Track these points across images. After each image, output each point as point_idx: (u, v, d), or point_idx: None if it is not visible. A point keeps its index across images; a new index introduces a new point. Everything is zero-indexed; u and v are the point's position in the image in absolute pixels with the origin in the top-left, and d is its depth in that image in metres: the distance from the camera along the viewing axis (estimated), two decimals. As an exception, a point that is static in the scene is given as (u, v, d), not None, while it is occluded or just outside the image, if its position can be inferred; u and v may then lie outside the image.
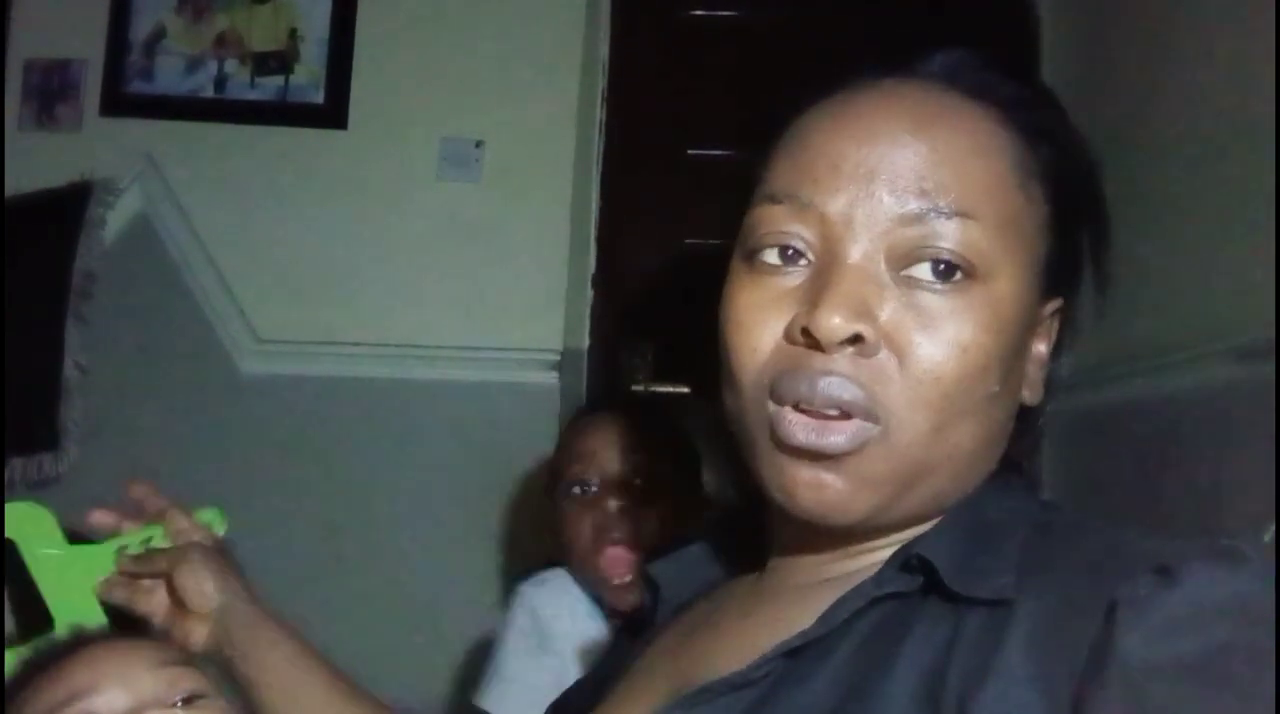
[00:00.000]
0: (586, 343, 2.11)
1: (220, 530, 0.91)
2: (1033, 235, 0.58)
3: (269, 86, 2.13)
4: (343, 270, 2.10)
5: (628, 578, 1.24)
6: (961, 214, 0.55)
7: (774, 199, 0.58)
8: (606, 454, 1.30)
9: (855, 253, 0.55)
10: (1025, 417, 0.62)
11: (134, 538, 0.87)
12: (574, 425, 1.39)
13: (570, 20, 2.17)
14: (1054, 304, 0.61)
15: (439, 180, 2.12)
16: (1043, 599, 0.50)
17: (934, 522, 0.59)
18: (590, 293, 2.14)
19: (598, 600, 1.33)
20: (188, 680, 0.71)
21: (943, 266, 0.55)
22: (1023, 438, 0.63)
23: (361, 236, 2.11)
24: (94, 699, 0.68)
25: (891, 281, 0.55)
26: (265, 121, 2.12)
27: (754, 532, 0.67)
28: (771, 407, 0.56)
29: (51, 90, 2.11)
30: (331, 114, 2.12)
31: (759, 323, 0.57)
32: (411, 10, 2.16)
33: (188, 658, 0.75)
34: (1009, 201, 0.57)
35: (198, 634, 0.83)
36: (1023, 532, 0.56)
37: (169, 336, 2.06)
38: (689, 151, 2.10)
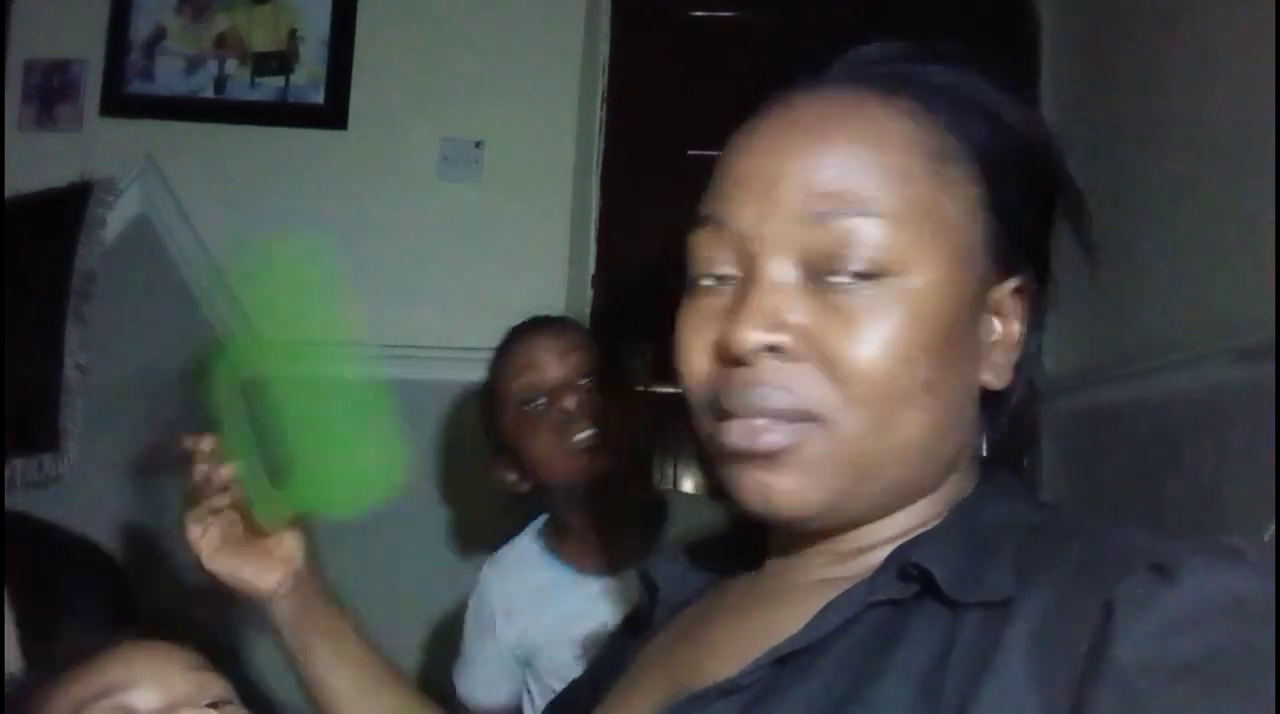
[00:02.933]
0: (586, 343, 2.11)
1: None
2: (957, 220, 0.58)
3: (269, 87, 2.13)
4: (342, 270, 2.10)
5: (591, 444, 1.28)
6: (863, 214, 0.56)
7: (700, 223, 0.61)
8: (545, 361, 1.33)
9: (769, 265, 0.57)
10: (999, 401, 0.62)
11: None
12: (504, 348, 1.41)
13: (570, 20, 2.17)
14: (1011, 283, 0.60)
15: (439, 180, 2.12)
16: (1041, 599, 0.50)
17: (928, 526, 0.59)
18: (590, 293, 2.14)
19: (559, 558, 1.37)
20: (216, 685, 0.74)
21: (853, 269, 0.56)
22: (995, 423, 0.63)
23: (361, 237, 2.11)
24: (130, 694, 0.69)
25: (808, 287, 0.57)
26: (265, 122, 2.12)
27: (752, 531, 0.67)
28: (715, 423, 0.59)
29: (51, 90, 2.11)
30: (331, 114, 2.12)
31: (695, 346, 0.60)
32: (411, 10, 2.16)
33: (213, 665, 0.77)
34: (918, 192, 0.57)
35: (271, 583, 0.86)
36: (1019, 534, 0.56)
37: (169, 337, 2.06)
38: (689, 152, 2.10)
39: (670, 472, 2.09)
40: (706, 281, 0.60)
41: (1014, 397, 0.62)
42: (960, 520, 0.58)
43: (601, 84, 2.18)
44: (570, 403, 1.29)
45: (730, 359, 0.57)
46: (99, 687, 0.69)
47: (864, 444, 0.56)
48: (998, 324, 0.60)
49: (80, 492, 1.94)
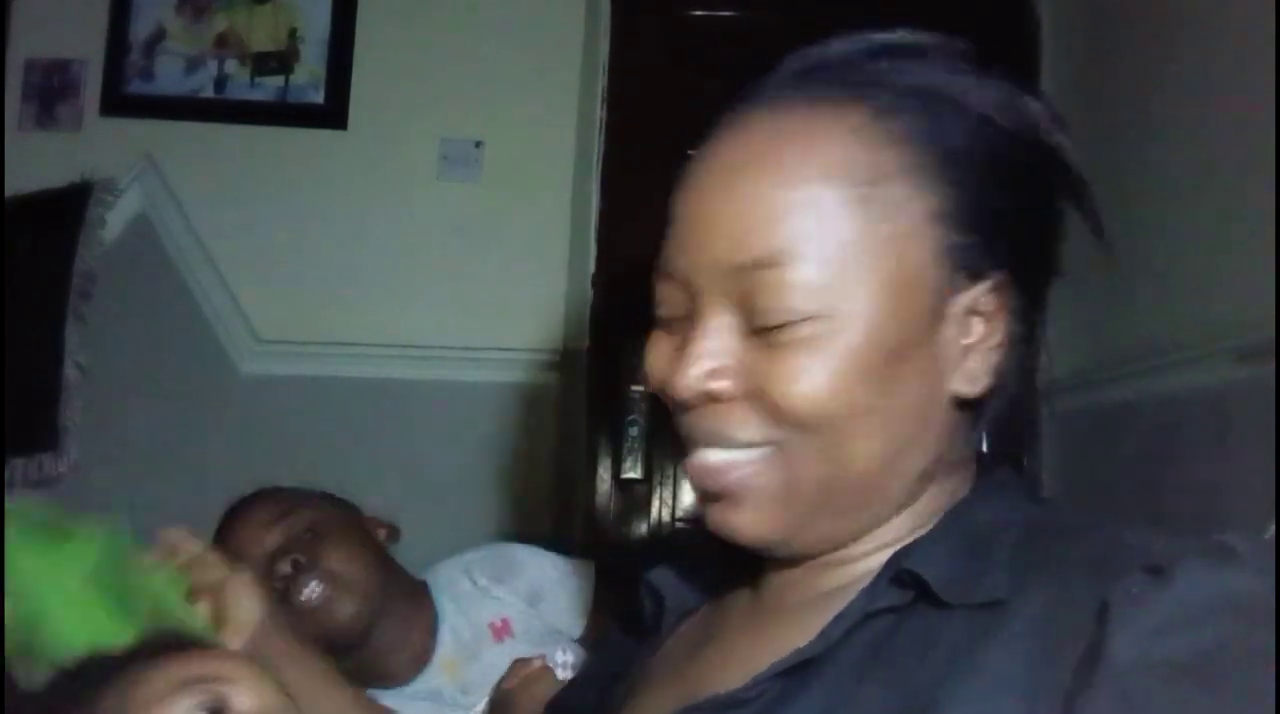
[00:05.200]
0: (586, 343, 2.11)
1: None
2: (895, 243, 0.55)
3: (269, 86, 2.13)
4: (343, 270, 2.10)
5: (326, 595, 1.21)
6: (787, 263, 0.55)
7: (657, 272, 0.62)
8: (249, 540, 1.25)
9: (707, 311, 0.58)
10: (985, 404, 0.60)
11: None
12: (215, 545, 1.33)
13: (570, 20, 2.17)
14: (984, 285, 0.57)
15: (439, 180, 2.13)
16: (1035, 599, 0.50)
17: (925, 529, 0.59)
18: (590, 293, 2.14)
19: (365, 679, 1.27)
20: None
21: (782, 313, 0.55)
22: (975, 428, 0.61)
23: (361, 236, 2.11)
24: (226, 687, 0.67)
25: (746, 330, 0.57)
26: (265, 121, 2.12)
27: None
28: (687, 456, 0.61)
29: (51, 90, 2.11)
30: (331, 114, 2.12)
31: (655, 384, 0.61)
32: (411, 10, 2.16)
33: None
34: (845, 226, 0.55)
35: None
36: (1014, 533, 0.56)
37: (169, 337, 2.06)
38: (689, 151, 2.09)
39: (671, 471, 2.09)
40: (665, 321, 0.62)
41: (999, 398, 0.60)
42: (955, 523, 0.58)
43: (601, 84, 2.18)
44: (284, 566, 1.22)
45: (676, 404, 0.59)
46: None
47: (813, 471, 0.56)
48: (979, 327, 0.58)
49: (80, 491, 1.94)
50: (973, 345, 0.58)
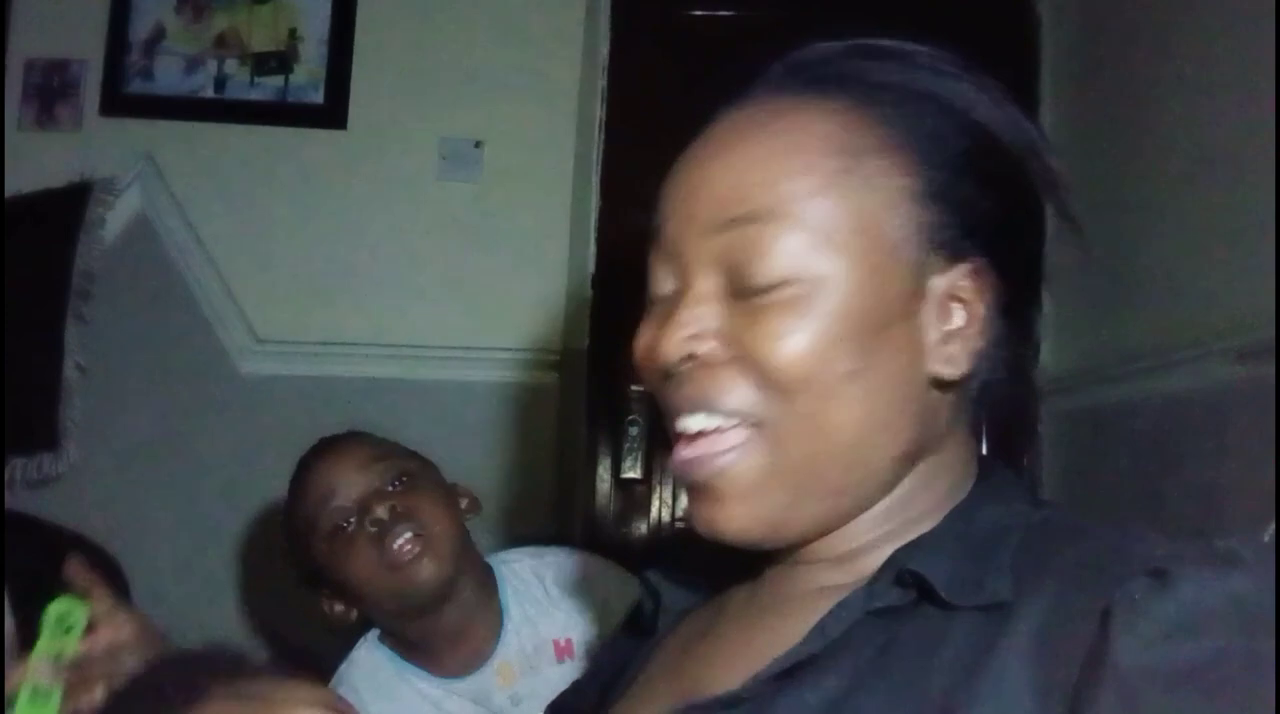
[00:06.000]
0: (586, 343, 2.11)
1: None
2: (876, 215, 0.57)
3: (269, 86, 2.13)
4: (343, 270, 2.10)
5: (416, 550, 1.18)
6: (768, 220, 0.57)
7: (648, 242, 0.63)
8: (345, 480, 1.22)
9: (694, 277, 0.60)
10: (959, 392, 0.60)
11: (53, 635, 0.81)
12: (299, 480, 1.29)
13: (570, 20, 2.17)
14: (961, 268, 0.59)
15: (439, 180, 2.12)
16: (1038, 604, 0.50)
17: (924, 530, 0.59)
18: (590, 293, 2.14)
19: (411, 658, 1.25)
20: None
21: (765, 273, 0.57)
22: (958, 414, 0.61)
23: (361, 236, 2.11)
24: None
25: (728, 294, 0.58)
26: (265, 121, 2.12)
27: None
28: (673, 446, 0.61)
29: (51, 90, 2.11)
30: (331, 114, 2.12)
31: (643, 357, 0.62)
32: (411, 10, 2.16)
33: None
34: (826, 193, 0.57)
35: None
36: (1016, 536, 0.56)
37: (169, 337, 2.06)
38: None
39: (671, 471, 2.09)
40: (656, 303, 0.63)
41: (977, 384, 0.60)
42: (957, 525, 0.58)
43: (601, 84, 2.18)
44: (382, 511, 1.19)
45: (658, 372, 0.59)
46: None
47: (800, 446, 0.57)
48: (959, 314, 0.59)
49: (80, 492, 1.94)
50: (954, 332, 0.59)
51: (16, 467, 1.93)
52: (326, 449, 1.28)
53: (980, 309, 0.59)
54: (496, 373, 2.08)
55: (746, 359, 0.57)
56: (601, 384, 2.09)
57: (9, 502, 1.84)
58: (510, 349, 2.08)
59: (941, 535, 0.58)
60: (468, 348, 2.09)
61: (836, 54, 0.62)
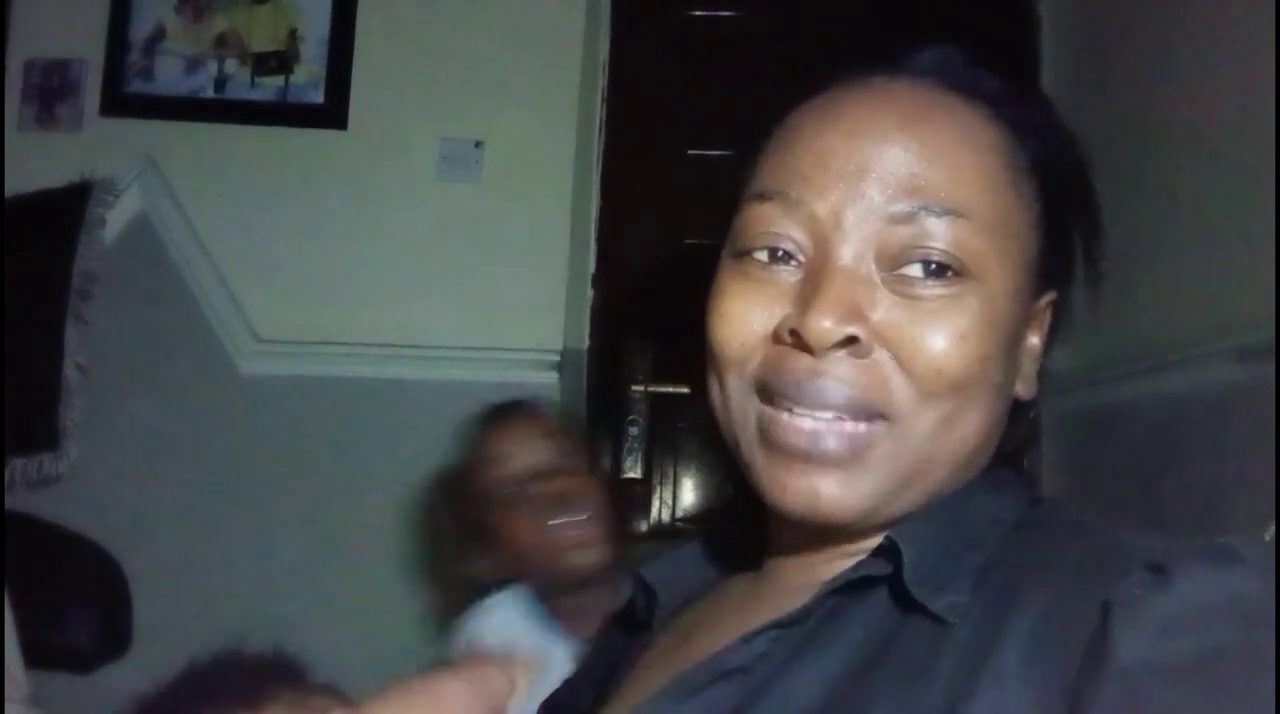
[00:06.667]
0: (586, 343, 2.11)
1: None
2: (1023, 232, 0.58)
3: (269, 86, 2.13)
4: (343, 270, 2.10)
5: (576, 528, 1.22)
6: (952, 213, 0.55)
7: (762, 197, 0.58)
8: (525, 448, 1.28)
9: (845, 253, 0.56)
10: (1017, 410, 0.62)
11: None
12: (482, 435, 1.34)
13: (570, 20, 2.17)
14: (1047, 298, 0.61)
15: (439, 180, 2.12)
16: (1038, 598, 0.50)
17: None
18: (590, 293, 2.14)
19: (547, 615, 1.29)
20: None
21: (934, 266, 0.55)
22: (1014, 430, 0.63)
23: (361, 236, 2.11)
24: None
25: (883, 281, 0.56)
26: (265, 121, 2.12)
27: (749, 530, 0.66)
28: (758, 405, 0.57)
29: (51, 90, 2.11)
30: (331, 114, 2.12)
31: (746, 319, 0.57)
32: (411, 10, 2.16)
33: None
34: (1000, 199, 0.57)
35: None
36: (1004, 530, 0.56)
37: (169, 337, 2.06)
38: (689, 151, 2.10)
39: (671, 470, 2.09)
40: (760, 255, 0.58)
41: (1034, 407, 0.63)
42: (947, 507, 0.58)
43: (601, 84, 2.18)
44: (556, 486, 1.24)
45: (799, 345, 0.55)
46: None
47: (923, 446, 0.56)
48: (1035, 338, 0.61)
49: (80, 492, 1.94)
50: (1033, 357, 0.62)
51: (16, 467, 1.94)
52: (502, 417, 1.33)
53: (1044, 336, 0.62)
54: (496, 373, 2.07)
55: (902, 353, 0.55)
56: (601, 384, 2.09)
57: (9, 502, 1.84)
58: (510, 349, 2.08)
59: (929, 514, 0.58)
60: (468, 348, 2.09)
61: (960, 59, 0.61)
